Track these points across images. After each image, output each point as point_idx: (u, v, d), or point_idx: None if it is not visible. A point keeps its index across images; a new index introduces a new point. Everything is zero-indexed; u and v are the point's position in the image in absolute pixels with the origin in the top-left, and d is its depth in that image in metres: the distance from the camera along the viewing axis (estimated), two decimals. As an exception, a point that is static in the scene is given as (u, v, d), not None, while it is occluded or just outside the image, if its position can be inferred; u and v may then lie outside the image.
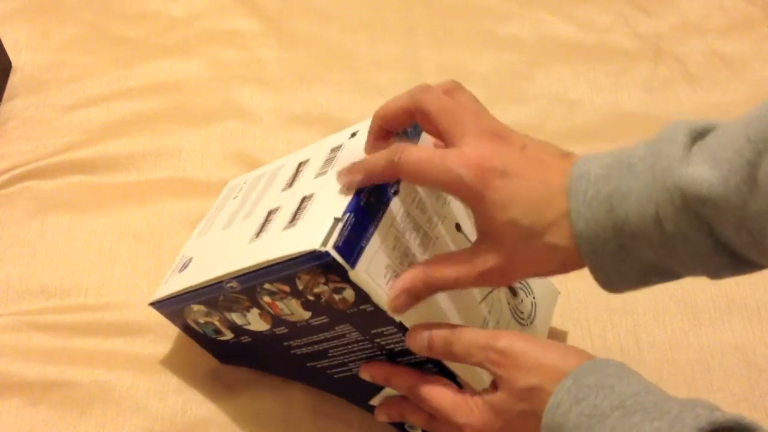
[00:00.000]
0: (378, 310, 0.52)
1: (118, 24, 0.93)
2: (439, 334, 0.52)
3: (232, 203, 0.67)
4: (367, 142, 0.55)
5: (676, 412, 0.44)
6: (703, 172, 0.43)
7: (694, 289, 0.72)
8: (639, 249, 0.47)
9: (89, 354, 0.67)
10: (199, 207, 0.75)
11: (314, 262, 0.50)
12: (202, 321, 0.62)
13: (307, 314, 0.55)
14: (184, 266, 0.63)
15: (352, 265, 0.50)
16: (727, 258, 0.45)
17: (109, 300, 0.71)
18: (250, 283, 0.55)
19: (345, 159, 0.56)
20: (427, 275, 0.51)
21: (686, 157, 0.44)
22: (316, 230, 0.51)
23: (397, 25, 0.94)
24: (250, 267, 0.54)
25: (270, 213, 0.58)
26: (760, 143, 0.42)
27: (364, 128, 0.57)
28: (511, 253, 0.50)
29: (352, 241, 0.50)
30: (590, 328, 0.70)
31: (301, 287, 0.52)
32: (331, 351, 0.58)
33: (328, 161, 0.58)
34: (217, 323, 0.61)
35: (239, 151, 0.81)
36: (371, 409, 0.61)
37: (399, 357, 0.56)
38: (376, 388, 0.59)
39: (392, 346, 0.55)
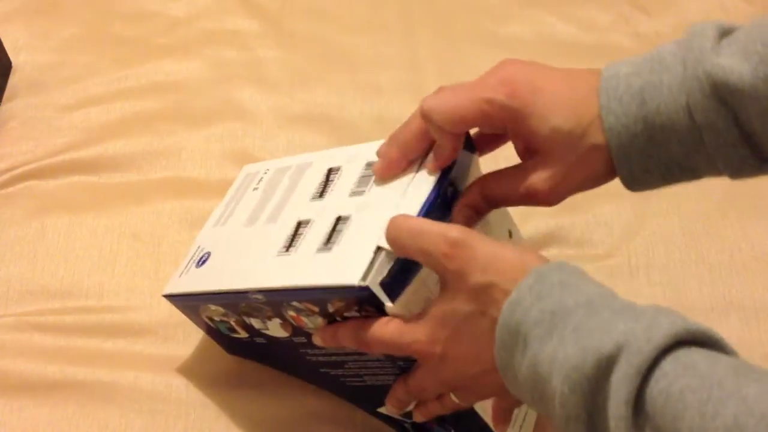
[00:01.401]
0: None
1: (118, 24, 0.93)
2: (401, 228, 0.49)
3: (252, 195, 0.64)
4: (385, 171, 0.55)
5: (650, 314, 0.40)
6: (732, 63, 0.44)
7: (692, 289, 0.72)
8: (667, 143, 0.47)
9: (91, 354, 0.67)
10: (199, 207, 0.75)
11: (352, 294, 0.49)
12: (217, 319, 0.61)
13: None
14: (202, 260, 0.62)
15: (393, 301, 0.49)
16: (749, 150, 0.46)
17: (109, 301, 0.71)
18: (277, 299, 0.53)
19: (385, 183, 0.55)
20: (483, 191, 0.53)
21: (716, 49, 0.46)
22: (356, 261, 0.49)
23: (397, 25, 0.94)
24: (280, 287, 0.53)
25: (299, 225, 0.56)
26: None
27: None
28: (559, 165, 0.50)
29: (399, 278, 0.49)
30: (590, 328, 0.70)
31: (331, 310, 0.51)
32: (348, 364, 0.57)
33: (364, 179, 0.56)
34: (233, 323, 0.60)
35: (239, 151, 0.81)
36: (379, 416, 0.61)
37: None
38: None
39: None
